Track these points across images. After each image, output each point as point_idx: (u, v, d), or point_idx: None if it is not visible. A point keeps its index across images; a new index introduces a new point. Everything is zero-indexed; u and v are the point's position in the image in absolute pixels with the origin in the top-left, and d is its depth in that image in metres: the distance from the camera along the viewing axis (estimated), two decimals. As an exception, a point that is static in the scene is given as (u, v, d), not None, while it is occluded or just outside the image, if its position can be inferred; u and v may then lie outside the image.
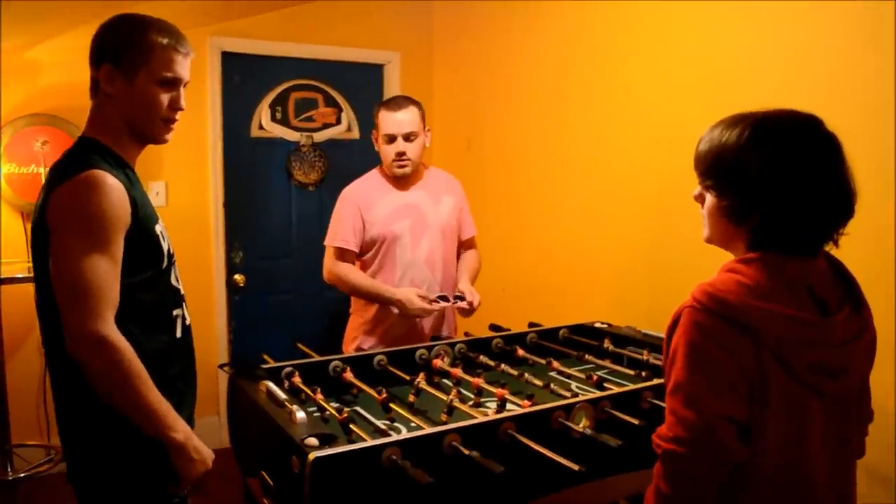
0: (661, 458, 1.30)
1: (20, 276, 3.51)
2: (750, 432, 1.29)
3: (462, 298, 2.83)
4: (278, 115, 4.47)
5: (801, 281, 1.34)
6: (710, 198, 1.41)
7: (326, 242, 2.95)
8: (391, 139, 2.81)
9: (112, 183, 1.60)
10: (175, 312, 1.80)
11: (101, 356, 1.53)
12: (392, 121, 2.81)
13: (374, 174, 3.01)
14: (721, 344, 1.28)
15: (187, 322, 1.84)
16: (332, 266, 2.91)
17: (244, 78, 4.35)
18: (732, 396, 1.27)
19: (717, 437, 1.26)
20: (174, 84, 1.74)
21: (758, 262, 1.33)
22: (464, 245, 3.13)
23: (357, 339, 2.97)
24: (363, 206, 2.89)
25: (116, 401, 1.57)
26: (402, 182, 2.93)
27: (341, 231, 2.90)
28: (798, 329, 1.29)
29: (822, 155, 1.32)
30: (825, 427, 1.35)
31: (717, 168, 1.38)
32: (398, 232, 2.89)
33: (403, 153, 2.81)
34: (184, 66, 1.75)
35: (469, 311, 2.86)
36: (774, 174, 1.30)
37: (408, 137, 2.81)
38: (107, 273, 1.57)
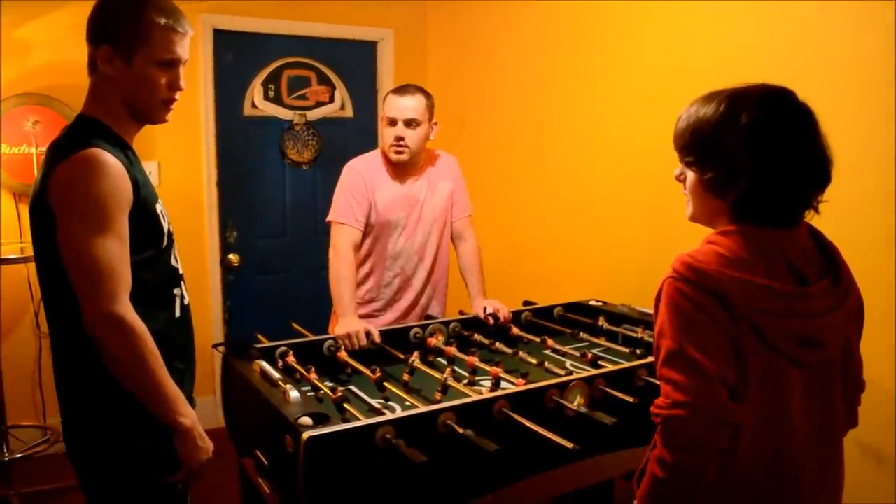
0: (663, 426, 1.31)
1: (13, 256, 3.49)
2: (737, 395, 1.32)
3: (495, 316, 2.70)
4: (271, 94, 4.43)
5: (779, 252, 1.36)
6: (691, 174, 1.43)
7: (332, 218, 2.81)
8: (392, 122, 2.74)
9: (112, 162, 1.58)
10: (174, 292, 1.79)
11: (120, 337, 1.53)
12: (395, 104, 2.74)
13: (376, 157, 2.90)
14: (702, 309, 1.30)
15: (186, 301, 1.83)
16: (337, 244, 2.75)
17: (236, 56, 4.30)
18: (721, 358, 1.30)
19: (715, 397, 1.28)
20: (174, 65, 1.71)
21: (736, 234, 1.36)
22: (458, 227, 2.98)
23: None
24: (370, 186, 2.80)
25: (131, 382, 1.57)
26: (402, 171, 2.84)
27: (347, 207, 2.77)
28: (774, 299, 1.32)
29: (798, 122, 1.36)
30: (807, 396, 1.38)
31: (696, 142, 1.40)
32: (395, 222, 2.83)
33: (402, 138, 2.73)
34: (183, 47, 1.72)
35: (507, 321, 2.74)
36: (754, 141, 1.33)
37: (409, 123, 2.72)
38: (118, 253, 1.56)
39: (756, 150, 1.33)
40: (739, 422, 1.30)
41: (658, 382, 1.36)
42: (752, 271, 1.32)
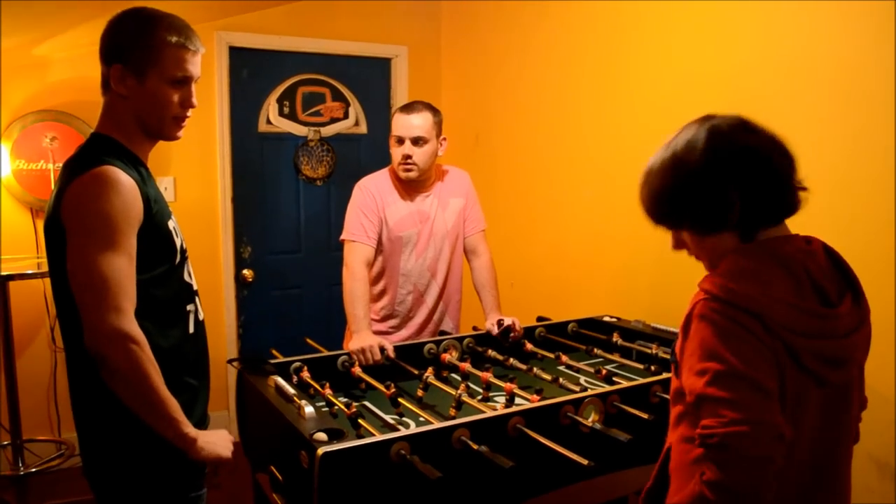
0: (719, 446, 1.23)
1: (30, 272, 3.52)
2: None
3: (509, 330, 2.70)
4: (286, 110, 4.47)
5: (804, 271, 1.35)
6: (687, 234, 1.45)
7: (344, 237, 2.82)
8: (399, 141, 2.76)
9: (124, 179, 1.59)
10: (188, 308, 1.80)
11: (121, 351, 1.52)
12: (402, 123, 2.75)
13: (386, 175, 2.92)
14: (742, 324, 1.28)
15: (200, 317, 1.84)
16: (349, 262, 2.76)
17: (252, 73, 4.35)
18: (768, 372, 1.27)
19: (773, 410, 1.24)
20: (185, 82, 1.72)
21: (754, 252, 1.35)
22: (471, 243, 2.99)
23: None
24: (380, 203, 2.83)
25: (132, 397, 1.56)
26: (412, 188, 2.86)
27: (358, 225, 2.80)
28: (805, 319, 1.30)
29: (734, 123, 1.37)
30: (821, 415, 1.36)
31: (673, 208, 1.41)
32: (406, 239, 2.85)
33: (409, 156, 2.74)
34: (194, 64, 1.73)
35: (518, 335, 2.74)
36: (715, 156, 1.34)
37: (416, 141, 2.73)
38: (123, 269, 1.56)
39: (720, 160, 1.34)
40: (790, 436, 1.25)
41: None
42: (779, 289, 1.30)
